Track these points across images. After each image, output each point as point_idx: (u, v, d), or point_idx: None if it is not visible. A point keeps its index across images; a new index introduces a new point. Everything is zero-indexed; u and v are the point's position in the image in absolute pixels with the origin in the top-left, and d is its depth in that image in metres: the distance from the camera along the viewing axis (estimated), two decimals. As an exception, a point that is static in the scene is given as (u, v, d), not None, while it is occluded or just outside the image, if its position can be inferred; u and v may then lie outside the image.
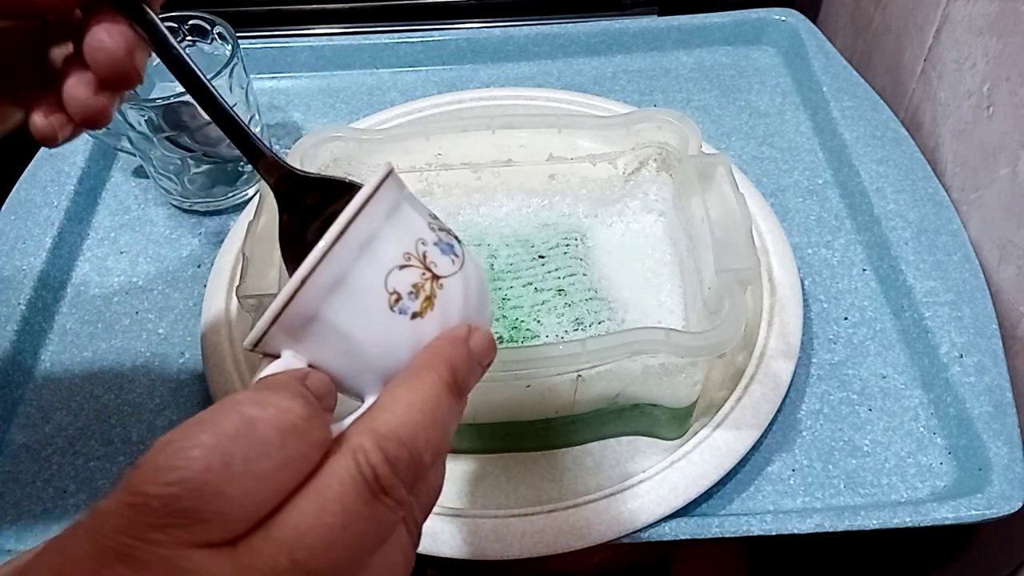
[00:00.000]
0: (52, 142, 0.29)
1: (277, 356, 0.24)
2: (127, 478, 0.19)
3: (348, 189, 0.28)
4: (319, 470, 0.20)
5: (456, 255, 0.26)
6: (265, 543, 0.19)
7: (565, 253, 0.48)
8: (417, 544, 0.23)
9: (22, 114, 0.30)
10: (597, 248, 0.49)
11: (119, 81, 0.28)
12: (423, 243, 0.25)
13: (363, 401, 0.25)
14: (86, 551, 0.18)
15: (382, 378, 0.24)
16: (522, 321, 0.45)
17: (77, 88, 0.28)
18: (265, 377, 0.23)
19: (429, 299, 0.24)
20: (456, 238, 0.27)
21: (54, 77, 0.29)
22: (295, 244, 0.28)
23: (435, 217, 0.27)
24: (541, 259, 0.48)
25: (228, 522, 0.18)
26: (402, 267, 0.24)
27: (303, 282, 0.22)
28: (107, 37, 0.27)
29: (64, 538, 0.19)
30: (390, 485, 0.20)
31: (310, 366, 0.24)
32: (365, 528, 0.20)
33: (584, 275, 0.47)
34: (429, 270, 0.25)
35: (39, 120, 0.29)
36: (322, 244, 0.22)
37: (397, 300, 0.24)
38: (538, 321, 0.45)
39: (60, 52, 0.29)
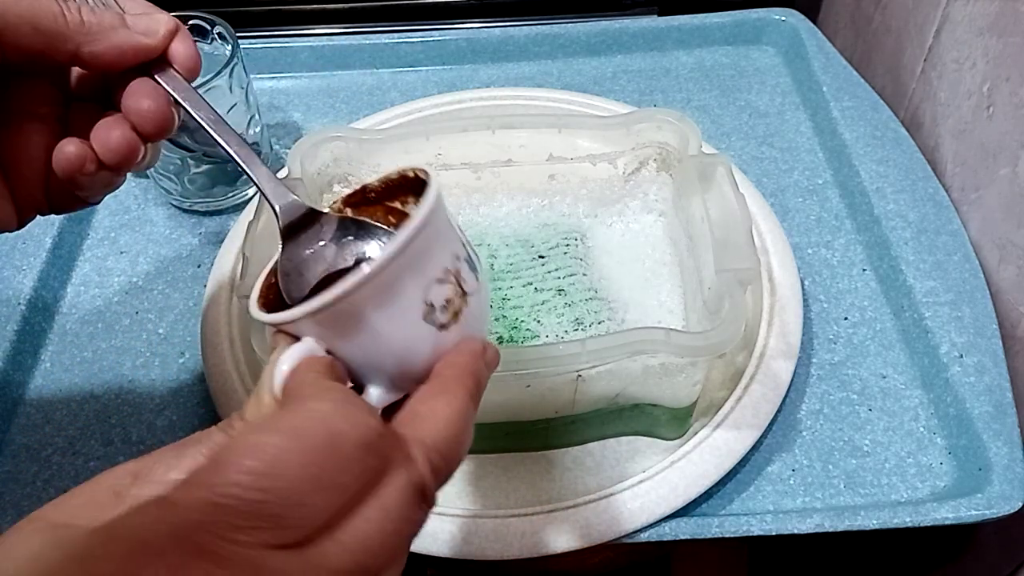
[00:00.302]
0: (78, 174, 0.30)
1: (295, 337, 0.25)
2: (208, 473, 0.19)
3: (355, 223, 0.30)
4: (382, 479, 0.22)
5: (478, 270, 0.27)
6: (334, 546, 0.20)
7: (565, 253, 0.48)
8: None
9: (15, 223, 0.31)
10: (597, 248, 0.49)
11: (160, 134, 0.31)
12: (457, 259, 0.26)
13: (363, 390, 0.26)
14: (166, 542, 0.18)
15: (393, 376, 0.26)
16: (522, 321, 0.45)
17: (111, 133, 0.30)
18: (306, 370, 0.24)
19: (457, 313, 0.26)
20: (475, 251, 0.28)
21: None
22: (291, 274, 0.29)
23: (462, 230, 0.28)
24: (541, 259, 0.48)
25: (306, 528, 0.20)
26: (440, 281, 0.25)
27: (358, 285, 0.23)
28: (151, 103, 0.30)
29: (134, 522, 0.19)
30: (433, 493, 0.23)
31: (327, 352, 0.25)
32: (412, 531, 0.22)
33: (584, 275, 0.47)
34: (460, 286, 0.26)
35: (71, 148, 0.30)
36: (386, 254, 0.23)
37: (431, 311, 0.25)
38: (538, 321, 0.45)
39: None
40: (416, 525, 0.23)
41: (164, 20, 0.30)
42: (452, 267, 0.26)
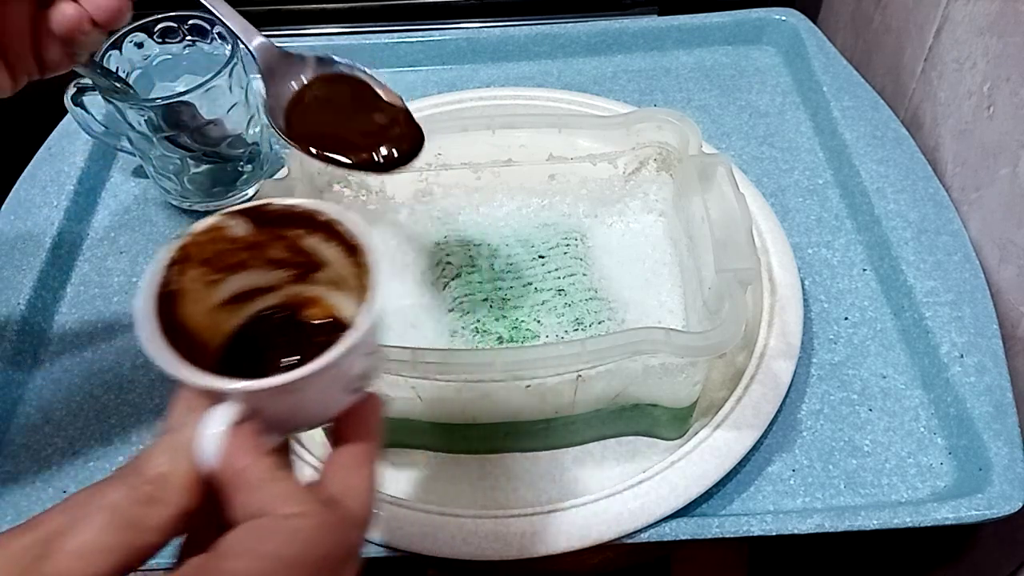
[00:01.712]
0: (76, 36, 0.34)
1: (220, 396, 0.24)
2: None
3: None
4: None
5: (380, 332, 0.29)
6: None
7: (565, 253, 0.48)
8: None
9: (9, 87, 0.35)
10: (597, 248, 0.49)
11: None
12: (379, 332, 0.28)
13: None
14: None
15: (299, 427, 0.28)
16: (522, 321, 0.45)
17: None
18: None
19: (369, 378, 0.28)
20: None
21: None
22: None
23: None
24: (541, 259, 0.48)
25: None
26: (367, 355, 0.27)
27: (314, 372, 0.24)
28: None
29: None
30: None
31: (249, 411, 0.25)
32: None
33: (584, 275, 0.47)
34: (376, 353, 0.28)
35: (70, 10, 0.33)
36: (343, 346, 0.25)
37: (354, 381, 0.27)
38: (538, 321, 0.45)
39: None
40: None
41: None
42: (375, 339, 0.28)
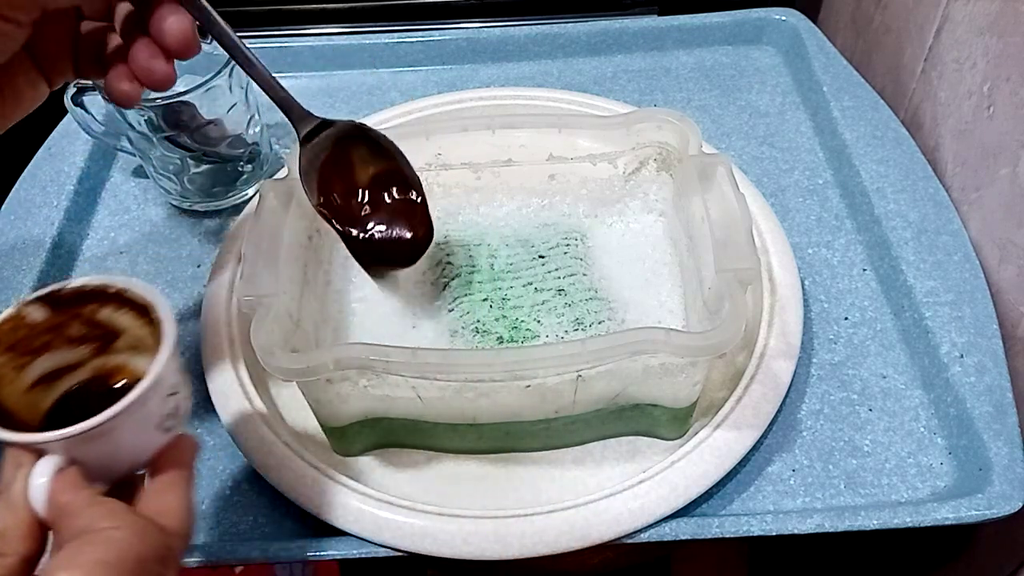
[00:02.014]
0: (132, 103, 0.36)
1: (40, 450, 0.28)
2: None
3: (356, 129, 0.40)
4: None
5: (182, 372, 0.32)
6: None
7: (565, 253, 0.48)
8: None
9: (47, 89, 0.36)
10: (597, 248, 0.49)
11: (186, 53, 0.35)
12: (179, 371, 0.32)
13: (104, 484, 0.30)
14: None
15: (123, 473, 0.31)
16: (522, 321, 0.45)
17: (151, 61, 0.34)
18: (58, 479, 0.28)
19: (179, 416, 0.32)
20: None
21: (94, 55, 0.36)
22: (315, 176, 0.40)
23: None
24: (541, 259, 0.48)
25: None
26: (171, 395, 0.31)
27: (117, 414, 0.28)
28: (176, 22, 0.34)
29: None
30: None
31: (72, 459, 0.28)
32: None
33: (584, 275, 0.47)
34: (178, 392, 0.31)
35: (126, 86, 0.35)
36: (140, 388, 0.29)
37: (164, 420, 0.31)
38: (538, 321, 0.45)
39: (96, 34, 0.36)
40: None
41: None
42: (176, 379, 0.31)
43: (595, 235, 0.49)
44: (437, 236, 0.48)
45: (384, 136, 0.42)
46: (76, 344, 0.33)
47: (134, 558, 0.25)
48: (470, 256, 0.48)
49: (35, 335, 0.32)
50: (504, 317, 0.45)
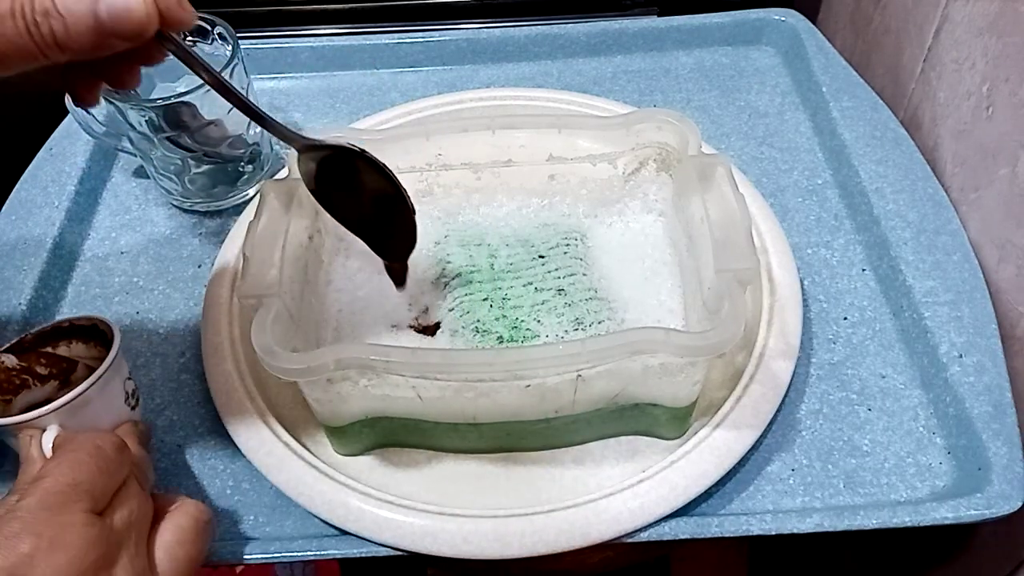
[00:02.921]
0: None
1: (41, 429, 0.38)
2: (35, 481, 0.33)
3: (351, 153, 0.40)
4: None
5: (125, 365, 0.42)
6: (117, 512, 0.34)
7: (565, 253, 0.48)
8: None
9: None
10: (597, 248, 0.49)
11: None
12: (126, 365, 0.42)
13: None
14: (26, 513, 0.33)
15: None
16: (522, 321, 0.45)
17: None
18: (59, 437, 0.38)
19: (138, 396, 0.43)
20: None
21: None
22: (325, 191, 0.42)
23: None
24: (541, 259, 0.48)
25: (103, 501, 0.34)
26: (128, 379, 0.42)
27: (88, 387, 0.38)
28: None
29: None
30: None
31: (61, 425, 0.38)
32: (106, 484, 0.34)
33: (584, 275, 0.47)
34: (132, 379, 0.42)
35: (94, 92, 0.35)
36: (103, 366, 0.39)
37: (128, 397, 0.42)
38: (538, 321, 0.45)
39: None
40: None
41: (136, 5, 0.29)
42: (127, 370, 0.42)
43: (595, 235, 0.49)
44: (436, 236, 0.48)
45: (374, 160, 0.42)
46: (45, 381, 0.42)
47: (95, 445, 0.34)
48: (470, 256, 0.48)
49: (13, 377, 0.41)
50: (504, 317, 0.45)
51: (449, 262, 0.48)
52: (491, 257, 0.48)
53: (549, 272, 0.47)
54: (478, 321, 0.45)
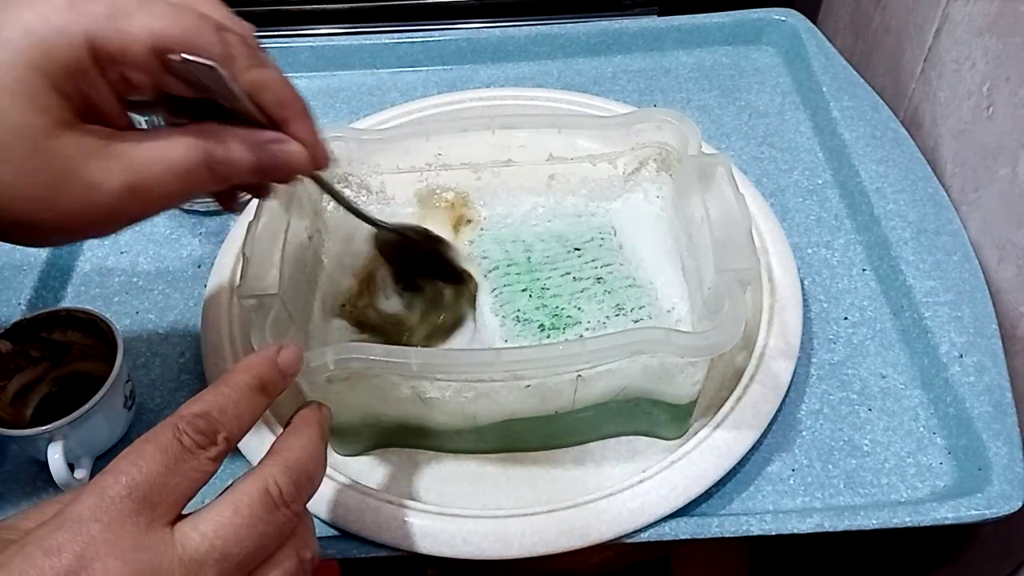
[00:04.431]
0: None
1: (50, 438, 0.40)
2: (94, 486, 0.28)
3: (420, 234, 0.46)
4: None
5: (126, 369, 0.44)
6: (193, 533, 0.26)
7: (600, 245, 0.47)
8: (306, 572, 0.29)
9: None
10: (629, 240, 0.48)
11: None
12: (126, 367, 0.44)
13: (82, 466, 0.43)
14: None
15: (105, 441, 0.44)
16: (563, 308, 0.44)
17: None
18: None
19: (134, 397, 0.45)
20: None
21: None
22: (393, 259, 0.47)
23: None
24: (577, 251, 0.47)
25: (171, 515, 0.28)
26: (126, 383, 0.44)
27: (94, 405, 0.41)
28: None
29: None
30: (291, 499, 0.28)
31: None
32: (266, 530, 0.27)
33: (621, 265, 0.46)
34: (130, 380, 0.44)
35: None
36: (109, 380, 0.41)
37: (126, 400, 0.44)
38: (579, 308, 0.44)
39: None
40: (273, 526, 0.28)
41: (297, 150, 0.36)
42: (127, 372, 0.44)
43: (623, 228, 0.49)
44: (471, 235, 0.48)
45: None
46: (37, 364, 0.45)
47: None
48: (506, 252, 0.48)
49: (8, 360, 0.44)
50: (544, 306, 0.44)
51: (485, 257, 0.47)
52: (527, 251, 0.48)
53: (587, 263, 0.46)
54: (518, 310, 0.44)
